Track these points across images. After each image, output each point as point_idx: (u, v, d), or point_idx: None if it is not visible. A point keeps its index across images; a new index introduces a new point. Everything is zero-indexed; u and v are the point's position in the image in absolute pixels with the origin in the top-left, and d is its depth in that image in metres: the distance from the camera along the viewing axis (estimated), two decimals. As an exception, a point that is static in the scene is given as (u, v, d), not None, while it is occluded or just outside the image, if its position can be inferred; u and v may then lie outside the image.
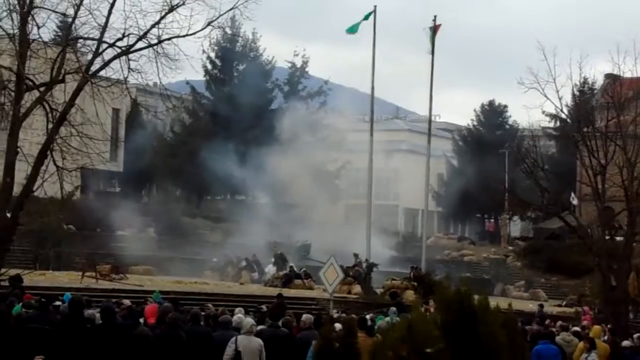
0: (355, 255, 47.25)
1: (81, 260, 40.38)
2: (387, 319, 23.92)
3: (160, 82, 23.45)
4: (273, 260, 50.56)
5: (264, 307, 25.09)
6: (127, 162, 68.65)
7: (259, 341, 15.91)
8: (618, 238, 37.06)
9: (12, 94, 19.98)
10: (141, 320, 17.37)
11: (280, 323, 18.08)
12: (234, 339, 15.76)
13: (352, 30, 52.58)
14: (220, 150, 61.42)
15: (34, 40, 20.59)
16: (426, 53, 53.77)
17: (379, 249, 56.53)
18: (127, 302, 23.01)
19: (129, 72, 21.62)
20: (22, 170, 20.60)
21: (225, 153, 61.52)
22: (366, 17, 52.56)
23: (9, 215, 20.52)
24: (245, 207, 64.80)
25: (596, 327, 23.86)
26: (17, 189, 20.47)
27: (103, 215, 52.37)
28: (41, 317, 15.37)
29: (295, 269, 48.72)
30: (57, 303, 17.23)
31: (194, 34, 22.22)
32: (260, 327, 18.39)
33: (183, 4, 21.64)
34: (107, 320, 16.50)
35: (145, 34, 21.41)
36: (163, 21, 21.51)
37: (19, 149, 20.08)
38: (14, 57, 20.13)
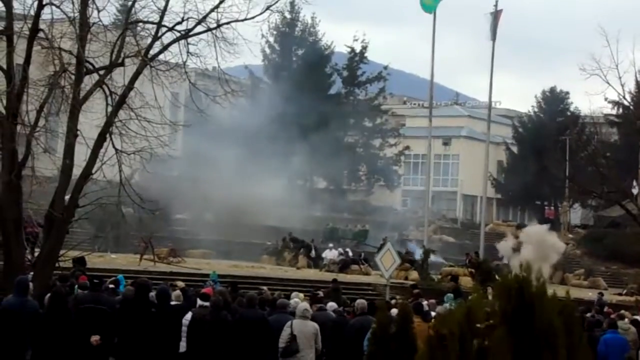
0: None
1: (139, 243, 40.77)
2: (445, 304, 23.74)
3: (219, 66, 23.44)
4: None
5: (320, 293, 25.03)
6: (186, 146, 68.94)
7: (314, 325, 15.89)
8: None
9: (72, 77, 20.09)
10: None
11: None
12: (289, 322, 15.76)
13: (430, 8, 51.44)
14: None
15: (94, 23, 20.66)
16: (487, 39, 53.13)
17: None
18: (180, 284, 23.09)
19: (187, 56, 21.65)
20: (81, 153, 20.73)
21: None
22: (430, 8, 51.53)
23: (68, 197, 20.68)
24: (304, 192, 64.79)
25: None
26: (76, 172, 20.61)
27: (162, 199, 52.64)
28: (95, 298, 15.48)
29: (351, 254, 48.67)
30: (111, 285, 17.32)
31: (252, 18, 22.14)
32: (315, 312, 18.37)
33: (242, -13, 21.58)
34: (161, 303, 16.58)
35: (205, 17, 21.41)
36: (222, 5, 21.47)
37: (78, 132, 20.21)
38: (74, 41, 20.23)
